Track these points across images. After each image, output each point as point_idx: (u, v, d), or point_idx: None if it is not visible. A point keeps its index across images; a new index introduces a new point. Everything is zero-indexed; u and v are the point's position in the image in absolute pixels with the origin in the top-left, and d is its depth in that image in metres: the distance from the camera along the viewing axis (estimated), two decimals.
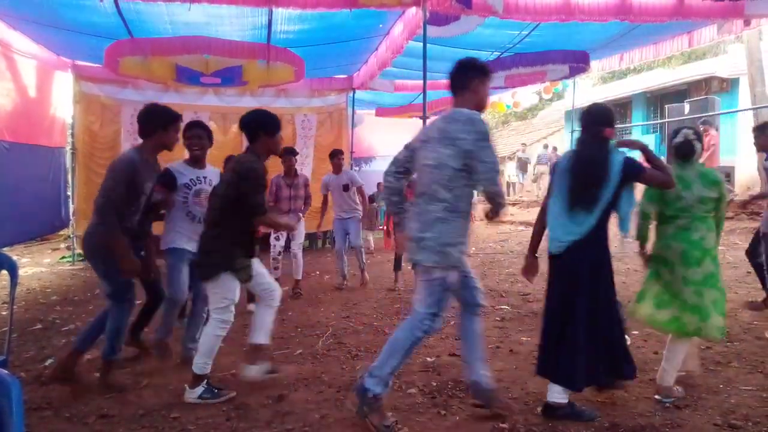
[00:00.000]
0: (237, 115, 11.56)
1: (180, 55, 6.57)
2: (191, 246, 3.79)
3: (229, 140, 9.94)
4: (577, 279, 2.90)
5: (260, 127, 3.30)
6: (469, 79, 2.87)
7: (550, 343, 2.98)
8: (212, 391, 3.29)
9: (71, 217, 9.11)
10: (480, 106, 2.89)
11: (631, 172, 2.91)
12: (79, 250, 9.32)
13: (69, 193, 9.21)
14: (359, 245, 6.88)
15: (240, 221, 3.23)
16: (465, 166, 2.71)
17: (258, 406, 3.19)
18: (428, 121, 2.88)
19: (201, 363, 3.25)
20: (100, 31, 6.67)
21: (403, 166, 3.02)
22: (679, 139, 3.30)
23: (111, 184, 3.25)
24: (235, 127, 9.97)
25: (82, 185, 9.01)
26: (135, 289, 3.50)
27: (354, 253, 6.95)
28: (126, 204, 3.31)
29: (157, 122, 3.42)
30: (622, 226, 3.00)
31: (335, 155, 6.80)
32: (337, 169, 6.76)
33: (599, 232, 2.92)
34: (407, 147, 3.03)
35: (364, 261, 6.98)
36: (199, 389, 3.26)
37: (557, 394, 2.91)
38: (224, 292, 3.24)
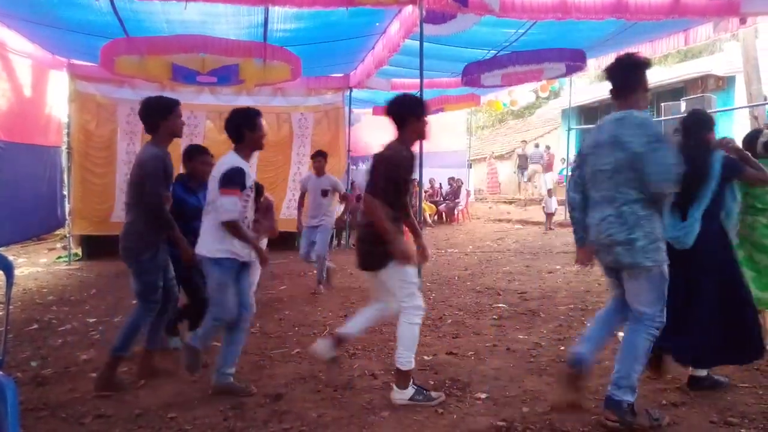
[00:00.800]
0: None
1: (176, 54, 6.56)
2: (246, 253, 3.37)
3: (225, 139, 9.74)
4: (700, 266, 3.16)
5: (410, 111, 3.22)
6: (636, 78, 2.86)
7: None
8: (423, 392, 3.15)
9: (67, 217, 9.09)
10: (646, 105, 2.91)
11: (732, 172, 3.24)
12: (75, 250, 9.31)
13: (65, 192, 9.19)
14: (323, 255, 6.47)
15: (394, 208, 3.14)
16: (640, 168, 2.71)
17: (255, 406, 3.19)
18: (599, 125, 2.96)
19: (406, 357, 3.10)
20: (95, 30, 6.65)
21: (581, 177, 3.04)
22: (764, 138, 3.82)
23: (152, 184, 3.33)
24: None
25: (78, 185, 9.00)
26: (160, 292, 3.53)
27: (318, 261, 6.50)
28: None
29: (156, 114, 3.43)
30: (729, 218, 3.33)
31: (316, 156, 6.48)
32: (319, 171, 6.42)
33: (711, 225, 3.19)
34: (578, 157, 3.11)
35: (324, 274, 6.54)
36: (410, 390, 3.11)
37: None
38: (404, 275, 3.12)
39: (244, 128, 3.34)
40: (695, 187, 3.11)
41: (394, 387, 3.16)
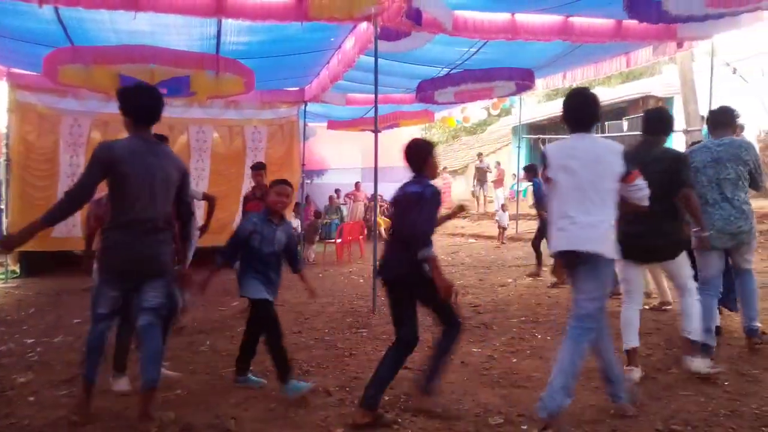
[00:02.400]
0: (184, 126, 11.11)
1: (124, 64, 6.37)
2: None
3: (176, 151, 9.67)
4: None
5: (670, 126, 3.85)
6: (734, 120, 4.16)
7: None
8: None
9: (4, 232, 8.62)
10: None
11: None
12: (12, 267, 8.83)
13: (2, 206, 8.74)
14: None
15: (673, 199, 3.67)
16: (748, 177, 3.94)
17: (204, 426, 3.08)
18: (706, 146, 4.08)
19: (698, 329, 3.60)
20: (38, 39, 6.39)
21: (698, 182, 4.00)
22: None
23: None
24: (183, 138, 9.68)
25: (17, 198, 8.59)
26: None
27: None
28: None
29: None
30: None
31: None
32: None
33: None
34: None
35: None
36: (708, 360, 3.64)
37: None
38: (686, 263, 3.71)
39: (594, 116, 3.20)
40: None
41: (690, 358, 3.62)
